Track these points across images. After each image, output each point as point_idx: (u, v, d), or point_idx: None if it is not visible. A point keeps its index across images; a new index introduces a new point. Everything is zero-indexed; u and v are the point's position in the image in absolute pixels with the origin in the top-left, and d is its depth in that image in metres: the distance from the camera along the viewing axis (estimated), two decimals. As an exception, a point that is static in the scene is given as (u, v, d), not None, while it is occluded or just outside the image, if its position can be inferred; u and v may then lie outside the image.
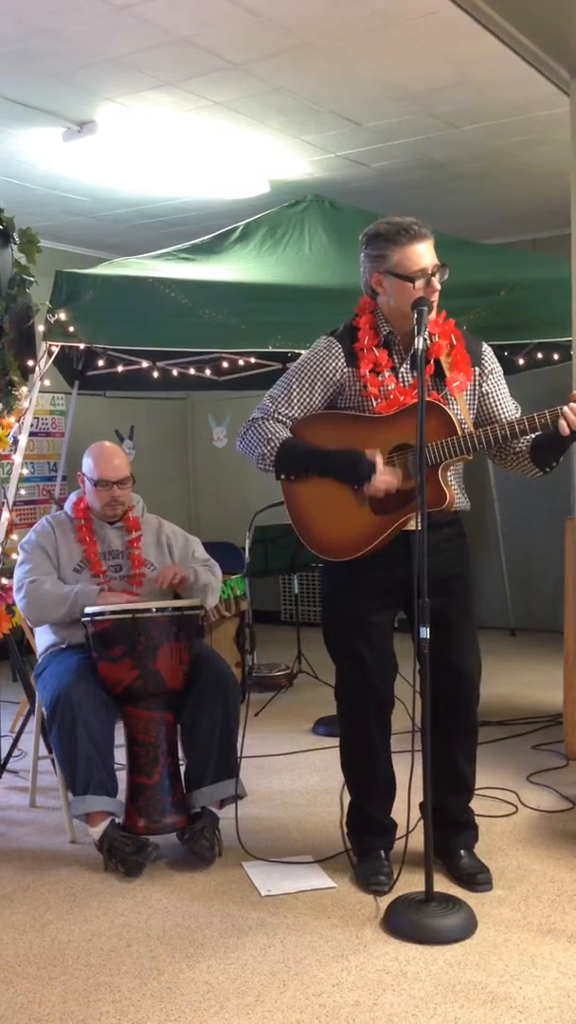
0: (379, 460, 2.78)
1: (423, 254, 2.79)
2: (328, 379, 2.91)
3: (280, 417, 2.93)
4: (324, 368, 2.91)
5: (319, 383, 2.91)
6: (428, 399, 2.77)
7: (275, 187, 5.88)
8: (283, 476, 2.93)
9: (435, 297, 2.82)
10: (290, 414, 2.93)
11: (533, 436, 2.84)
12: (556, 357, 5.84)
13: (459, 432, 2.76)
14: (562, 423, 2.68)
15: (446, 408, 2.79)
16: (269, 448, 2.89)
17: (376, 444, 2.83)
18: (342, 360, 2.90)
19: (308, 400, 2.92)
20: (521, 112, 4.89)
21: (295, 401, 2.92)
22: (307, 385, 2.92)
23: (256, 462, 2.94)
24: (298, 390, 2.92)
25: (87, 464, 3.54)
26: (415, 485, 2.72)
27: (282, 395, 2.94)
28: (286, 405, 2.93)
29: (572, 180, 4.11)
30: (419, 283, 2.78)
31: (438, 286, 2.83)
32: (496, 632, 7.05)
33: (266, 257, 4.94)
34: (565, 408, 2.69)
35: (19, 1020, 2.32)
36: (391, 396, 2.86)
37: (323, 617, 3.06)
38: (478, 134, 5.20)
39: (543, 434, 2.79)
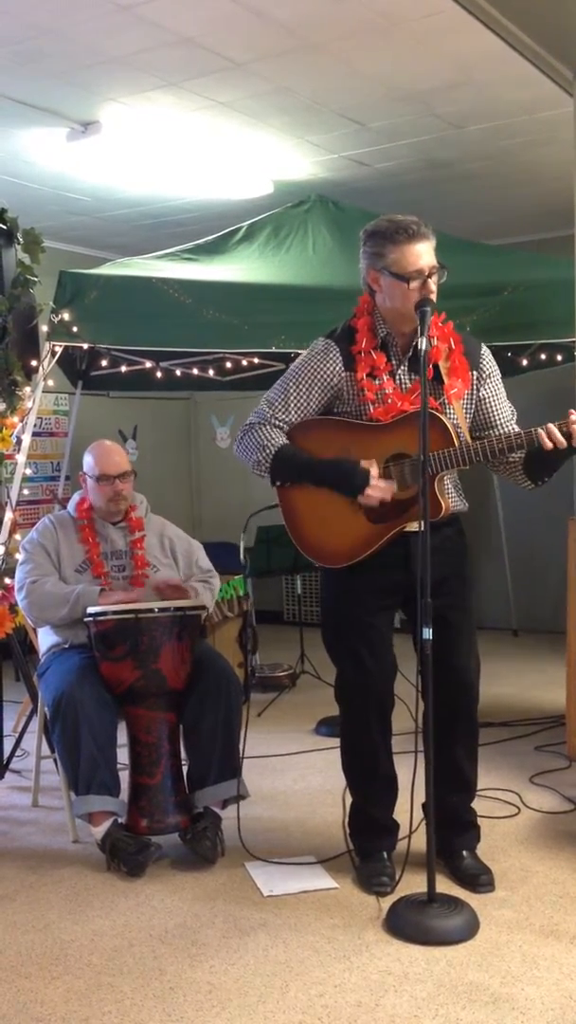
0: (374, 471, 2.77)
1: (421, 254, 2.75)
2: (326, 383, 2.89)
3: (277, 422, 2.90)
4: (322, 372, 2.89)
5: (316, 387, 2.89)
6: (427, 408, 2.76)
7: (279, 187, 5.88)
8: (278, 483, 2.92)
9: (431, 299, 2.78)
10: (287, 419, 2.91)
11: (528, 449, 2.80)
12: (559, 358, 5.83)
13: (456, 444, 2.75)
14: (542, 435, 2.67)
15: (444, 419, 2.77)
16: (264, 455, 2.87)
17: (373, 452, 2.81)
18: (339, 364, 2.88)
19: (305, 404, 2.90)
20: (524, 112, 4.88)
21: (292, 406, 2.90)
22: (304, 389, 2.90)
23: (252, 468, 2.93)
24: (295, 394, 2.90)
25: (88, 462, 3.55)
26: (411, 495, 2.71)
27: (279, 399, 2.92)
28: (283, 410, 2.91)
29: (576, 181, 4.12)
30: (414, 284, 2.74)
31: (433, 288, 2.78)
32: (499, 633, 7.05)
33: (270, 257, 4.93)
34: (550, 426, 2.68)
35: (21, 1020, 2.32)
36: (388, 401, 2.83)
37: (322, 619, 3.06)
38: (481, 134, 5.19)
39: (537, 449, 2.74)
